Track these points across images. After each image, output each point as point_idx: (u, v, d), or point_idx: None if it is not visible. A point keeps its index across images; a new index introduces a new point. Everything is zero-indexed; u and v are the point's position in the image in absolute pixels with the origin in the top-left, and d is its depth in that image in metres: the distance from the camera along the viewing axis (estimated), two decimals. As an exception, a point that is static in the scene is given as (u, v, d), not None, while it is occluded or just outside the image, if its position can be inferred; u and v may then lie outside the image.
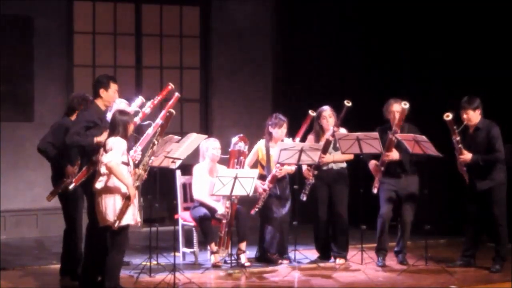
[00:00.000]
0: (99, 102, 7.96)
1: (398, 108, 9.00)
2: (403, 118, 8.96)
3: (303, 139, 9.35)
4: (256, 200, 9.18)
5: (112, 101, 8.14)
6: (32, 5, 11.18)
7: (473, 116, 8.85)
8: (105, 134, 7.69)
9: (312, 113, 9.29)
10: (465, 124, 8.87)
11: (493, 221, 8.89)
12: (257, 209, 9.19)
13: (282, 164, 9.11)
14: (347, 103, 9.02)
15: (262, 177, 9.26)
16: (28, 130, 11.16)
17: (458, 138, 8.73)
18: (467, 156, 8.77)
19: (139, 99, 8.57)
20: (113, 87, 8.00)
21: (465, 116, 8.85)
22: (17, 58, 11.14)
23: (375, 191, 9.08)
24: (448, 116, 8.63)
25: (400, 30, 11.56)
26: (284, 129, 9.32)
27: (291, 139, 9.33)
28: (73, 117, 8.28)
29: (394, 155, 9.01)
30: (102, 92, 7.94)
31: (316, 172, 9.19)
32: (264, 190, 9.16)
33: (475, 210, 8.95)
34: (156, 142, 7.78)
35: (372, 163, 9.15)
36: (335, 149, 9.28)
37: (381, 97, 9.40)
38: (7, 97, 11.06)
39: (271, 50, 12.62)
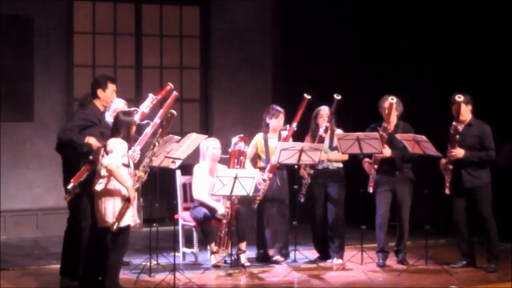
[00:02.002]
0: (97, 102, 7.96)
1: (387, 104, 9.04)
2: (391, 113, 8.98)
3: (300, 124, 9.33)
4: (256, 194, 9.17)
5: (110, 101, 8.14)
6: (32, 5, 11.17)
7: (465, 111, 8.83)
8: (93, 138, 7.68)
9: (307, 96, 9.29)
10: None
11: (482, 221, 8.88)
12: (258, 202, 9.19)
13: None
14: (337, 97, 9.08)
15: (261, 170, 9.26)
16: (28, 130, 11.16)
17: (458, 127, 8.68)
18: (459, 151, 8.74)
19: (150, 98, 8.54)
20: (111, 87, 7.99)
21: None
22: (17, 58, 11.13)
23: (370, 190, 9.09)
24: (460, 97, 8.59)
25: (399, 29, 11.57)
26: (281, 120, 9.35)
27: (288, 126, 9.33)
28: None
29: (386, 151, 9.01)
30: (100, 92, 7.94)
31: (311, 172, 9.20)
32: (264, 180, 9.16)
33: (463, 210, 8.94)
34: (157, 144, 7.77)
35: (366, 162, 9.16)
36: (332, 148, 9.29)
37: (381, 96, 9.40)
38: (7, 97, 11.05)
39: (271, 50, 12.62)
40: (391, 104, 8.98)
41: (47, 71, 11.34)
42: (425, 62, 11.31)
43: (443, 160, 8.82)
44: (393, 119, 9.14)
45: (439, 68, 11.17)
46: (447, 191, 8.80)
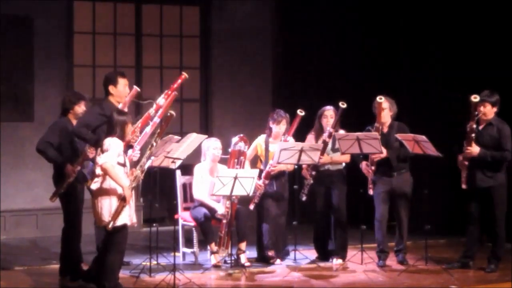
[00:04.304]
0: (111, 98, 8.06)
1: (376, 103, 9.04)
2: (381, 113, 8.99)
3: (297, 138, 9.33)
4: (253, 196, 9.16)
5: (124, 96, 8.17)
6: (32, 5, 11.16)
7: (490, 112, 8.79)
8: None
9: (300, 112, 9.24)
10: (478, 118, 8.80)
11: (493, 222, 8.86)
12: (254, 204, 9.18)
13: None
14: (342, 105, 9.05)
15: (260, 172, 9.25)
16: (28, 130, 11.14)
17: (474, 126, 8.66)
18: (474, 149, 8.70)
19: (134, 89, 8.51)
20: (122, 82, 8.08)
21: (482, 108, 8.73)
22: (17, 58, 11.13)
23: (370, 192, 9.10)
24: (476, 98, 8.55)
25: (400, 30, 11.57)
26: (283, 126, 9.31)
27: (284, 137, 9.31)
28: (70, 116, 8.32)
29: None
30: (111, 88, 8.04)
31: (314, 173, 9.19)
32: (260, 185, 9.14)
33: (476, 209, 8.93)
34: (154, 144, 7.78)
35: (363, 164, 9.16)
36: (334, 150, 9.28)
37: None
38: (7, 97, 11.05)
39: (271, 50, 12.61)
40: (380, 103, 8.98)
41: (47, 71, 11.33)
42: (425, 62, 11.30)
43: (460, 157, 8.81)
44: (386, 119, 9.14)
45: (439, 68, 11.16)
46: (463, 186, 8.80)
